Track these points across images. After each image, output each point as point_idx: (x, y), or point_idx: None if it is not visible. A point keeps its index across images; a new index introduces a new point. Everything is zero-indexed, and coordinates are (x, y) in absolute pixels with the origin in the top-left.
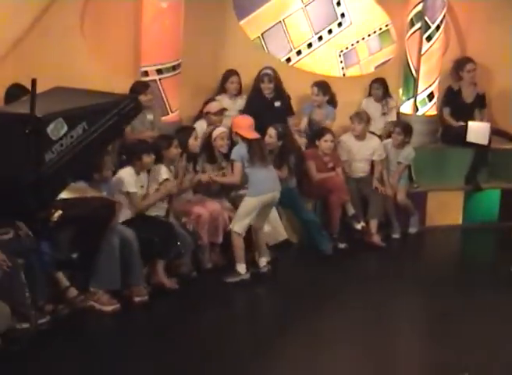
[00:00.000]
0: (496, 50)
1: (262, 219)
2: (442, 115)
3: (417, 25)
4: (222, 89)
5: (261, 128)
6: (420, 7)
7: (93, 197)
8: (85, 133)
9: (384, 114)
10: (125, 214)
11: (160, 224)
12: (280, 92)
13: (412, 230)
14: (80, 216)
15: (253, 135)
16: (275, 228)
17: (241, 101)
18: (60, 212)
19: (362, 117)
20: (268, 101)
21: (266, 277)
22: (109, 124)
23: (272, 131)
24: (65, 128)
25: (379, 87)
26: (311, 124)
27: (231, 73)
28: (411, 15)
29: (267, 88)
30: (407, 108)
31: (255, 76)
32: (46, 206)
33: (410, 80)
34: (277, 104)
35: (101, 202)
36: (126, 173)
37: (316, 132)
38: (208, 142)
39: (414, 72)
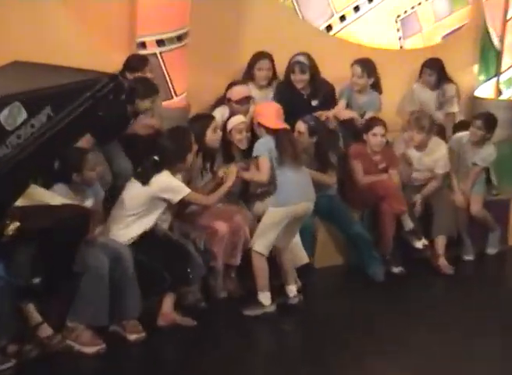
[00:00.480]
0: None
1: (289, 236)
2: None
3: None
4: (248, 76)
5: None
6: None
7: (61, 204)
8: (50, 122)
9: (441, 105)
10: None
11: (169, 246)
12: (318, 86)
13: (491, 250)
14: (44, 229)
15: (280, 125)
16: (293, 250)
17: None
18: (17, 223)
19: (424, 125)
20: (302, 99)
21: (296, 310)
22: (81, 110)
23: (301, 126)
24: (24, 115)
25: (432, 74)
26: None
27: (260, 56)
28: None
29: (300, 81)
30: (485, 90)
31: (288, 54)
32: None
33: (490, 54)
34: (314, 103)
35: (71, 211)
36: (168, 177)
37: (364, 124)
38: (223, 135)
39: (496, 43)
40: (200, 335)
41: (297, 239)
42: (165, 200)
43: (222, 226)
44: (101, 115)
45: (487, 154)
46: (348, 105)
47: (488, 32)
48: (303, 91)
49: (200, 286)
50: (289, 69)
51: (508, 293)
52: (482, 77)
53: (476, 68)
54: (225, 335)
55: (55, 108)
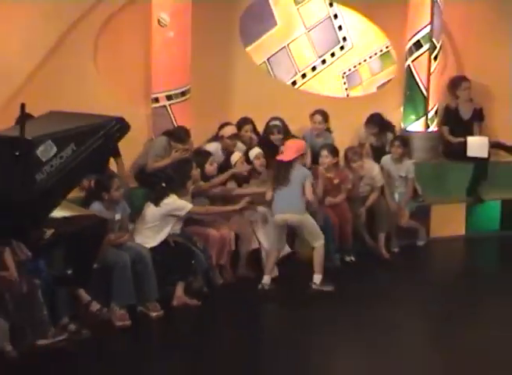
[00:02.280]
0: (491, 65)
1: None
2: (442, 132)
3: (426, 46)
4: (236, 137)
5: None
6: (428, 29)
7: (84, 215)
8: (74, 154)
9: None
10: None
11: (177, 248)
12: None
13: (420, 242)
14: (71, 234)
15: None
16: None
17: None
18: (52, 230)
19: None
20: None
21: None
22: (97, 145)
23: None
24: (55, 149)
25: (374, 127)
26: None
27: (245, 121)
28: (418, 37)
29: (278, 140)
30: (416, 126)
31: (265, 105)
32: (39, 225)
33: (419, 99)
34: None
35: (91, 220)
36: (173, 199)
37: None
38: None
39: (424, 91)
40: (204, 313)
41: None
42: (173, 216)
43: (213, 233)
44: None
45: (409, 165)
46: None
47: (416, 83)
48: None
49: (202, 276)
50: (268, 131)
51: (430, 272)
52: (413, 117)
53: (402, 109)
54: (223, 312)
55: (78, 143)
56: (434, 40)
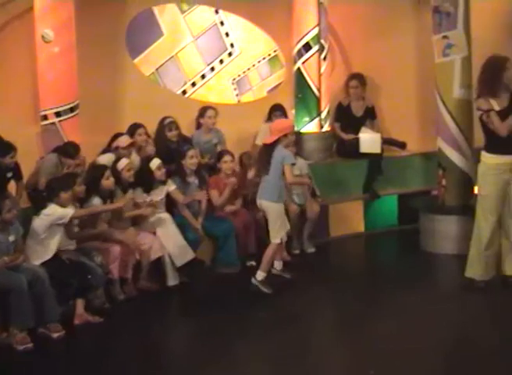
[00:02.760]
0: (379, 63)
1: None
2: (334, 129)
3: (316, 47)
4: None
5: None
6: (316, 30)
7: None
8: None
9: None
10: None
11: (72, 264)
12: (184, 138)
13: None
14: None
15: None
16: (181, 247)
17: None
18: None
19: (251, 156)
20: (174, 147)
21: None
22: None
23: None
24: None
25: (281, 114)
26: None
27: (136, 126)
28: (307, 38)
29: (174, 136)
30: (311, 127)
31: (156, 114)
32: None
33: (311, 100)
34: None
35: None
36: (52, 209)
37: (217, 155)
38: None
39: (316, 91)
40: (106, 329)
41: (181, 237)
42: (58, 225)
43: (115, 248)
44: None
45: (301, 164)
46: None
47: (308, 84)
48: (174, 144)
49: (103, 291)
50: (164, 128)
51: (332, 271)
52: (307, 119)
53: (293, 111)
54: (124, 328)
55: None
56: (322, 41)
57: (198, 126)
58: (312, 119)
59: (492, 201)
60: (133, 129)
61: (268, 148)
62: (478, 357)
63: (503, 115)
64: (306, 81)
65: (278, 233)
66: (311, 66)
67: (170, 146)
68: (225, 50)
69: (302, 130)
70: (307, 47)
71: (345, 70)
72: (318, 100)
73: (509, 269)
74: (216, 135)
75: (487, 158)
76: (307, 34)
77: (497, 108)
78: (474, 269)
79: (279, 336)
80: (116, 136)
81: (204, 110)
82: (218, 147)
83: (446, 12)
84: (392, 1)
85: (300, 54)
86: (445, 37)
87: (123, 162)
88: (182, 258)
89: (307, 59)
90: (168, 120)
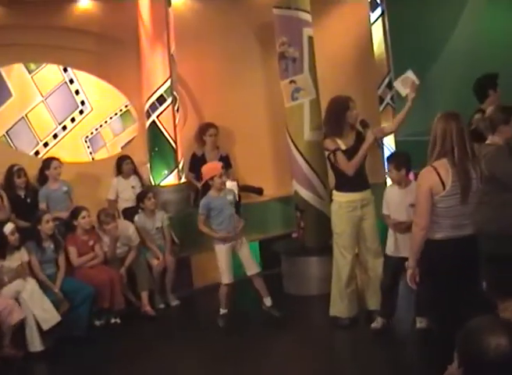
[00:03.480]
0: (231, 113)
1: None
2: (190, 179)
3: (169, 99)
4: None
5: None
6: (169, 83)
7: None
8: None
9: (133, 187)
10: None
11: None
12: (32, 188)
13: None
14: None
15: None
16: (47, 311)
17: None
18: None
19: (109, 213)
20: (21, 198)
21: None
22: None
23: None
24: None
25: (129, 163)
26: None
27: None
28: (161, 91)
29: (22, 182)
30: (170, 179)
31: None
32: None
33: (168, 153)
34: (29, 200)
35: None
36: None
37: (72, 212)
38: None
39: (172, 143)
40: None
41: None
42: None
43: None
44: None
45: (161, 216)
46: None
47: (165, 137)
48: (22, 193)
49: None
50: (12, 175)
51: (197, 323)
52: (165, 171)
53: (148, 165)
54: None
55: None
56: (174, 93)
57: (44, 178)
58: (171, 172)
59: (347, 239)
60: None
61: (202, 193)
62: None
63: (349, 154)
64: (162, 134)
65: (223, 274)
66: (166, 119)
67: (19, 194)
68: (76, 108)
69: (162, 183)
70: (161, 100)
71: (197, 121)
72: (175, 152)
73: (371, 303)
74: (64, 184)
75: (338, 196)
76: (160, 87)
77: (343, 147)
78: (338, 308)
79: None
80: None
81: (48, 162)
82: (69, 197)
83: (292, 57)
84: (240, 54)
85: (154, 107)
86: (292, 81)
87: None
88: (48, 321)
89: (161, 112)
90: (16, 167)
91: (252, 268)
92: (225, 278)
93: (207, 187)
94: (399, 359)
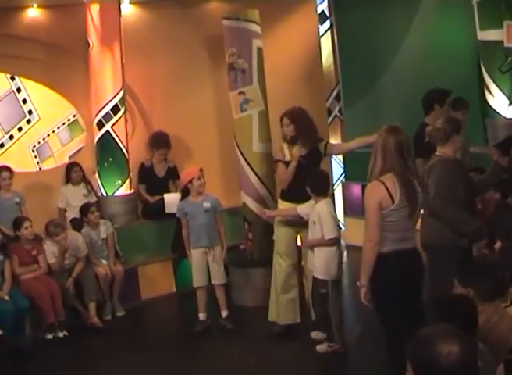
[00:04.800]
0: (179, 123)
1: None
2: (140, 191)
3: (123, 109)
4: None
5: None
6: (122, 93)
7: None
8: None
9: (85, 195)
10: None
11: None
12: None
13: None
14: None
15: None
16: None
17: None
18: None
19: (58, 224)
20: None
21: None
22: None
23: None
24: None
25: (78, 171)
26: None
27: None
28: (115, 101)
29: None
30: (123, 190)
31: None
32: None
33: (122, 162)
34: None
35: None
36: None
37: (14, 222)
38: None
39: (126, 153)
40: None
41: None
42: None
43: None
44: None
45: (106, 226)
46: None
47: (119, 147)
48: None
49: None
50: None
51: (146, 333)
52: (119, 181)
53: (97, 176)
54: None
55: None
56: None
57: None
58: (124, 182)
59: (284, 246)
60: None
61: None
62: None
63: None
64: (117, 144)
65: (194, 278)
66: (119, 129)
67: None
68: (23, 117)
69: (116, 194)
70: (115, 109)
71: (145, 130)
72: (127, 161)
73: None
74: (17, 195)
75: (279, 204)
76: (115, 96)
77: (287, 158)
78: (272, 313)
79: None
80: None
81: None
82: (22, 208)
83: (241, 68)
84: (189, 64)
85: (107, 117)
86: (241, 92)
87: None
88: None
89: (115, 122)
90: None
91: (218, 277)
92: (195, 281)
93: (186, 192)
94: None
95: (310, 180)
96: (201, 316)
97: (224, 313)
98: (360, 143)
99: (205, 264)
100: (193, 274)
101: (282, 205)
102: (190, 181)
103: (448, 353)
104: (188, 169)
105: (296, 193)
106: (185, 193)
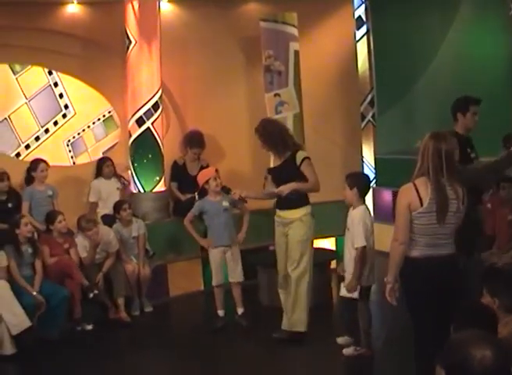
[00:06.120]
0: (213, 123)
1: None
2: (171, 188)
3: (161, 107)
4: None
5: None
6: (161, 90)
7: None
8: None
9: (118, 189)
10: None
11: None
12: (11, 192)
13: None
14: None
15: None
16: (18, 315)
17: None
18: None
19: (90, 219)
20: (2, 202)
21: None
22: None
23: None
24: None
25: (110, 165)
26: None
27: None
28: (156, 98)
29: (5, 186)
30: (159, 187)
31: None
32: None
33: (159, 160)
34: (10, 205)
35: None
36: None
37: (47, 216)
38: None
39: (163, 150)
40: None
41: (17, 303)
42: None
43: None
44: None
45: (140, 224)
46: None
47: (158, 144)
48: (3, 196)
49: None
50: None
51: (173, 329)
52: (157, 178)
53: (129, 172)
54: None
55: None
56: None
57: (30, 180)
58: (161, 179)
59: (276, 248)
60: None
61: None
62: None
63: (272, 173)
64: (156, 141)
65: (213, 277)
66: (158, 126)
67: (0, 198)
68: (59, 111)
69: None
70: (156, 106)
71: (179, 128)
72: (163, 159)
73: None
74: (50, 188)
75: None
76: (156, 94)
77: (271, 165)
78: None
79: None
80: None
81: (35, 164)
82: (54, 201)
83: (277, 70)
84: (225, 64)
85: (149, 114)
86: (277, 94)
87: None
88: (17, 326)
89: (156, 119)
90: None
91: (235, 276)
92: (214, 280)
93: (203, 192)
94: None
95: (356, 180)
96: (220, 312)
97: (240, 310)
98: (264, 195)
99: (223, 263)
100: (213, 273)
101: (277, 213)
102: (207, 182)
103: (481, 358)
104: (204, 170)
105: (279, 201)
106: (202, 194)
